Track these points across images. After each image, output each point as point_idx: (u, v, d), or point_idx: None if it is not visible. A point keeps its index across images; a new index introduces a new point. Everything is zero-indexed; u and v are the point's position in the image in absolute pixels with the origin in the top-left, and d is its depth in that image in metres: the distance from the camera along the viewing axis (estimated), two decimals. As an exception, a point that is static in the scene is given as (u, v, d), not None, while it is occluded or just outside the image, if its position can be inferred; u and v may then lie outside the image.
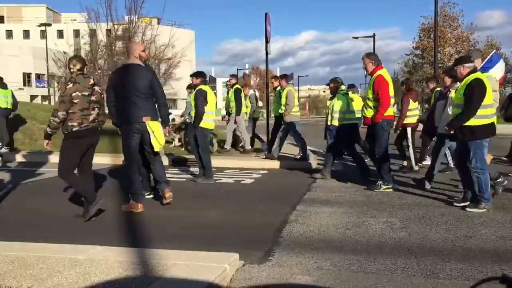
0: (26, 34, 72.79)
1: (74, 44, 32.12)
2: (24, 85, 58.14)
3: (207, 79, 8.76)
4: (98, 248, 4.09)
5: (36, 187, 7.98)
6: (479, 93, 5.81)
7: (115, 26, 21.39)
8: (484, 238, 4.75)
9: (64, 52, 27.20)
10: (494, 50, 7.13)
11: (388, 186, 7.42)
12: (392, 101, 7.45)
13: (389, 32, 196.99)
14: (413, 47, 52.77)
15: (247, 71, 74.58)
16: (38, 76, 59.99)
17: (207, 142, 8.52)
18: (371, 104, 7.48)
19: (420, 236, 4.83)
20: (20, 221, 5.67)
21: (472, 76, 5.92)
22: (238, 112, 12.01)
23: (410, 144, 9.58)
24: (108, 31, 21.77)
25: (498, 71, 7.03)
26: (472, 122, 5.87)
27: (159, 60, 23.16)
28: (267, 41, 12.45)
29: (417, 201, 6.64)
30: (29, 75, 59.46)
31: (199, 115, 8.08)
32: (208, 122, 8.24)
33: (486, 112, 5.92)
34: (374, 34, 41.69)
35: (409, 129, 9.60)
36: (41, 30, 57.91)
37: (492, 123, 6.00)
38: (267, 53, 12.52)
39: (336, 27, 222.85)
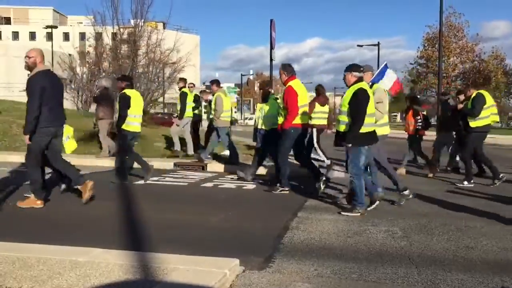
0: (32, 36, 73.19)
1: (79, 47, 32.19)
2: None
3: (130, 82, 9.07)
4: (99, 250, 4.09)
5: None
6: (363, 102, 6.12)
7: (121, 29, 21.46)
8: (485, 249, 4.74)
9: (70, 55, 27.32)
10: (385, 62, 7.39)
11: (284, 189, 7.89)
12: (302, 110, 7.64)
13: (394, 41, 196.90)
14: (417, 56, 52.82)
15: (251, 77, 74.78)
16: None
17: (126, 144, 8.76)
18: (283, 112, 7.92)
19: (421, 246, 4.81)
20: (21, 222, 5.68)
21: (357, 86, 6.20)
22: (181, 115, 12.14)
23: (315, 144, 10.81)
24: (114, 35, 21.85)
25: (387, 81, 7.33)
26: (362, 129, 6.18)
27: (163, 64, 23.22)
28: (271, 47, 12.49)
29: (418, 210, 6.62)
30: (34, 76, 59.71)
31: (121, 118, 8.51)
32: (132, 125, 8.63)
33: (367, 121, 6.17)
34: (378, 42, 41.73)
35: (314, 130, 10.78)
36: (47, 32, 58.17)
37: (373, 132, 6.34)
38: (271, 59, 12.56)
39: (341, 35, 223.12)
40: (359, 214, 6.18)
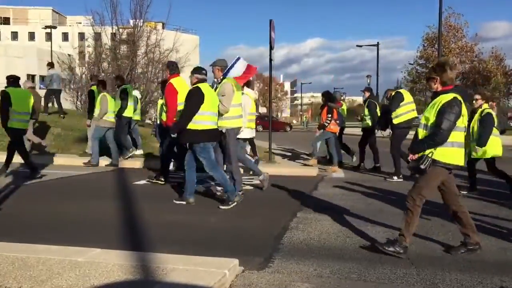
0: (32, 36, 73.11)
1: (78, 47, 32.16)
2: (28, 86, 58.30)
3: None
4: (98, 251, 4.10)
5: (37, 189, 7.99)
6: (193, 100, 6.47)
7: (120, 30, 21.45)
8: (484, 249, 4.73)
9: (69, 55, 27.29)
10: (238, 56, 7.55)
11: (161, 180, 8.54)
12: (180, 107, 7.54)
13: (395, 41, 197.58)
14: (417, 56, 52.86)
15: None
16: (42, 78, 60.12)
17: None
18: (165, 109, 8.13)
19: (420, 246, 4.82)
20: (21, 222, 5.68)
21: (196, 86, 6.60)
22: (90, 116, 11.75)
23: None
24: (113, 35, 21.83)
25: (235, 72, 7.38)
26: (192, 126, 6.46)
27: (163, 64, 23.22)
28: (271, 48, 12.48)
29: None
30: (33, 76, 59.58)
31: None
32: (15, 122, 8.90)
33: (204, 118, 6.51)
34: (378, 43, 41.75)
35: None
36: (46, 33, 58.24)
37: (212, 129, 6.64)
38: (271, 60, 12.55)
39: (342, 35, 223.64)
40: (235, 203, 6.59)
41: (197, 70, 6.87)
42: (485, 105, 8.02)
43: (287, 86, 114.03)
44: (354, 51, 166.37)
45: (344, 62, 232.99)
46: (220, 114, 6.88)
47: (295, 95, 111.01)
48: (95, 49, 22.83)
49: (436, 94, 4.52)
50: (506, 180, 8.04)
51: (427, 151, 4.38)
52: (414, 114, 9.90)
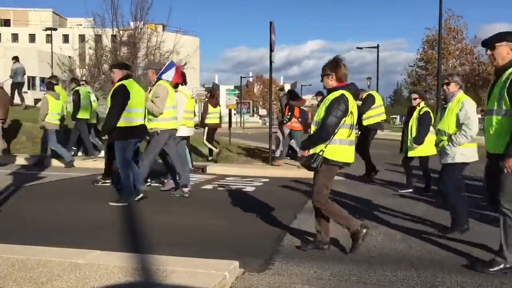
0: (32, 38, 73.18)
1: (79, 49, 32.18)
2: (29, 88, 58.20)
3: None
4: (98, 252, 4.10)
5: (37, 190, 7.99)
6: (120, 97, 6.62)
7: (121, 32, 21.47)
8: (484, 252, 4.73)
9: (69, 57, 27.30)
10: (171, 60, 7.64)
11: (107, 181, 8.54)
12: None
13: (395, 43, 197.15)
14: (417, 58, 52.89)
15: (250, 79, 74.82)
16: (43, 80, 60.15)
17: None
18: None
19: (420, 248, 4.81)
20: (20, 224, 5.68)
21: (119, 83, 6.76)
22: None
23: (205, 141, 11.97)
24: (113, 37, 21.85)
25: (169, 76, 7.47)
26: (119, 123, 6.63)
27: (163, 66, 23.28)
28: (271, 50, 12.48)
29: (418, 213, 6.62)
30: (33, 78, 59.63)
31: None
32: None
33: (131, 115, 6.70)
34: (378, 45, 41.80)
35: (206, 129, 11.91)
36: (46, 34, 58.27)
37: (137, 126, 6.82)
38: (271, 62, 12.55)
39: (342, 37, 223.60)
40: (126, 203, 6.68)
41: (122, 65, 7.05)
42: (423, 104, 8.27)
43: (287, 88, 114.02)
44: (355, 53, 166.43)
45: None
46: (154, 116, 7.03)
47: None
48: (96, 51, 22.85)
49: (329, 91, 4.61)
50: (426, 181, 8.35)
51: (318, 149, 4.45)
52: (384, 117, 10.18)
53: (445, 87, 5.59)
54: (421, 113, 7.97)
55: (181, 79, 7.90)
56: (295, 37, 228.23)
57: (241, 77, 61.71)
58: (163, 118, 7.11)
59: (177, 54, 23.09)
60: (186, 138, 8.50)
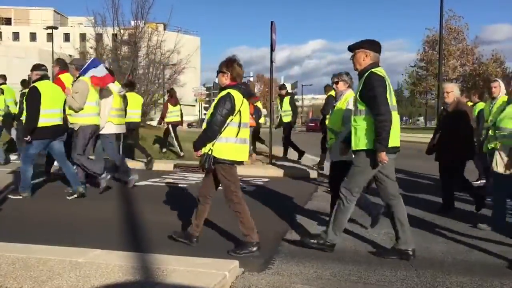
0: (33, 36, 73.22)
1: (80, 48, 32.21)
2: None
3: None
4: (99, 251, 4.10)
5: (37, 189, 7.99)
6: (31, 99, 6.79)
7: (121, 31, 21.46)
8: (485, 252, 4.74)
9: (70, 55, 27.33)
10: (93, 57, 7.68)
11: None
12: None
13: (396, 43, 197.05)
14: (417, 59, 52.91)
15: (251, 79, 74.91)
16: (44, 79, 60.17)
17: None
18: None
19: (420, 249, 4.81)
20: (21, 222, 5.69)
21: (31, 85, 6.94)
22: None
23: (173, 137, 12.76)
24: (114, 36, 21.85)
25: (96, 72, 7.54)
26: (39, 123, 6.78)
27: (164, 65, 23.23)
28: (272, 50, 12.48)
29: (418, 214, 6.62)
30: (34, 77, 59.79)
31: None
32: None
33: (44, 116, 6.81)
34: (379, 45, 41.73)
35: (170, 126, 12.72)
36: (47, 33, 58.24)
37: (51, 126, 6.90)
38: (271, 62, 12.55)
39: (344, 37, 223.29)
40: (21, 197, 6.92)
41: (36, 67, 7.13)
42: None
43: (288, 88, 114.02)
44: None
45: (345, 64, 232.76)
46: (74, 111, 7.13)
47: (296, 97, 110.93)
48: (96, 50, 22.85)
49: (221, 89, 4.68)
50: None
51: (207, 149, 4.49)
52: None
53: (334, 86, 5.78)
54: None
55: (113, 80, 8.05)
56: (297, 36, 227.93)
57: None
58: (84, 114, 7.19)
59: (178, 54, 23.08)
60: (119, 135, 8.65)
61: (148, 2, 20.79)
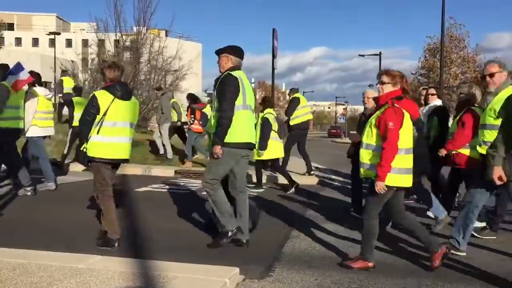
0: (35, 42, 73.49)
1: (82, 53, 32.30)
2: (31, 92, 58.49)
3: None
4: (99, 257, 4.10)
5: (38, 195, 7.99)
6: None
7: (124, 36, 21.53)
8: (486, 261, 4.73)
9: (72, 61, 27.38)
10: (18, 61, 7.96)
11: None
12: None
13: (399, 51, 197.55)
14: (419, 67, 53.01)
15: (252, 85, 75.10)
16: (45, 84, 60.37)
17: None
18: None
19: (422, 256, 4.80)
20: (22, 228, 5.69)
21: None
22: None
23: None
24: (116, 42, 21.93)
25: (18, 78, 7.50)
26: None
27: (165, 71, 23.28)
28: (274, 57, 12.53)
29: (420, 221, 6.59)
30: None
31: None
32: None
33: None
34: (380, 52, 41.98)
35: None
36: (50, 39, 58.49)
37: None
38: (273, 69, 12.60)
39: (346, 45, 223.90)
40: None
41: None
42: (267, 110, 8.98)
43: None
44: (358, 60, 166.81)
45: (347, 71, 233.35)
46: None
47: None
48: (98, 56, 22.92)
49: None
50: (288, 181, 9.08)
51: (82, 147, 4.76)
52: (310, 116, 10.89)
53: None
54: (262, 120, 8.91)
55: (32, 80, 7.98)
56: (299, 43, 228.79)
57: (243, 83, 61.74)
58: (3, 117, 7.22)
59: (179, 60, 23.15)
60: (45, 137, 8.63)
61: (150, 8, 20.89)
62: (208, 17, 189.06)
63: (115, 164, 4.98)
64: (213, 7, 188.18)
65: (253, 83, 78.76)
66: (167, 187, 9.28)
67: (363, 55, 47.05)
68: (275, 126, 8.94)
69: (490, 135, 4.89)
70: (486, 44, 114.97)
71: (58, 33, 50.53)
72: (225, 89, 4.73)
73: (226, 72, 4.84)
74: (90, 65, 25.00)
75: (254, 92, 5.38)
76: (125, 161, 5.03)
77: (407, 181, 4.26)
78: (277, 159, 9.22)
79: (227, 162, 4.82)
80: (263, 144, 8.67)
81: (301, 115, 10.50)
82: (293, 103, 10.56)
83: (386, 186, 4.11)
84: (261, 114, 9.04)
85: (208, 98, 13.84)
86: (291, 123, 10.34)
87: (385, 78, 4.36)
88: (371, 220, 4.35)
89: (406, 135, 4.22)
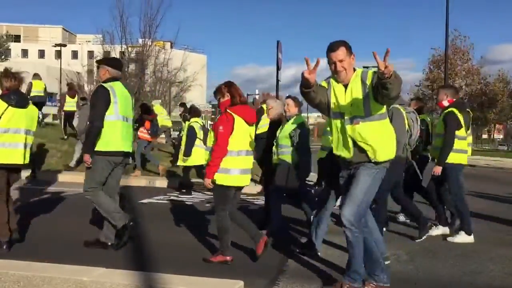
0: (41, 53, 74.11)
1: (87, 65, 32.56)
2: (37, 103, 58.77)
3: None
4: (103, 270, 4.09)
5: (41, 206, 8.00)
6: None
7: (129, 48, 21.72)
8: (492, 275, 4.69)
9: (78, 73, 27.62)
10: None
11: None
12: None
13: (403, 63, 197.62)
14: (423, 79, 53.03)
15: (257, 97, 75.21)
16: (51, 95, 60.64)
17: None
18: None
19: (427, 270, 4.77)
20: (26, 240, 5.67)
21: None
22: None
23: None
24: (122, 53, 22.10)
25: None
26: None
27: (170, 83, 23.43)
28: (278, 69, 12.58)
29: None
30: (42, 93, 60.29)
31: None
32: None
33: None
34: (384, 64, 41.89)
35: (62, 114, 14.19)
36: (56, 50, 58.91)
37: None
38: (277, 80, 12.64)
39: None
40: None
41: None
42: (194, 119, 9.38)
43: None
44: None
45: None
46: None
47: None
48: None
49: None
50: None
51: None
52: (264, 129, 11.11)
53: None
54: (187, 128, 9.62)
55: None
56: (304, 55, 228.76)
57: (247, 95, 61.96)
58: None
59: (184, 71, 23.30)
60: None
61: (156, 21, 21.09)
62: (213, 29, 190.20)
63: (10, 169, 5.16)
64: (218, 19, 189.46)
65: (257, 94, 78.87)
66: (171, 198, 9.27)
67: (367, 67, 46.63)
68: (200, 134, 9.48)
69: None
70: (490, 56, 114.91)
71: (64, 45, 50.98)
72: (95, 100, 5.11)
73: (99, 84, 5.25)
74: (95, 76, 25.19)
75: (257, 103, 5.53)
76: (22, 166, 5.24)
77: (244, 180, 4.84)
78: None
79: (101, 169, 5.11)
80: (188, 151, 9.15)
81: (264, 124, 10.57)
82: (259, 114, 10.60)
83: (227, 186, 4.69)
84: (187, 123, 9.58)
85: (213, 109, 13.90)
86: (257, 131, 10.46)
87: (217, 95, 4.88)
88: (220, 217, 4.79)
89: (239, 138, 4.70)
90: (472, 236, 6.01)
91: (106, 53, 23.30)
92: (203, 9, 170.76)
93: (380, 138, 3.80)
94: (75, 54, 67.89)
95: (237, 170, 4.71)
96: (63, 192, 9.49)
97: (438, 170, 6.06)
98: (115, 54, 22.19)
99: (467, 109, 6.69)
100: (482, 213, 8.41)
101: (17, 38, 76.51)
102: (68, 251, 5.13)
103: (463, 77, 50.84)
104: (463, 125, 6.16)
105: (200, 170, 9.64)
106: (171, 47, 27.06)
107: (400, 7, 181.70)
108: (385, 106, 3.83)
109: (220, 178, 4.67)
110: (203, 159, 9.41)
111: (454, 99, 6.33)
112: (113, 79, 5.25)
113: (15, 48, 74.43)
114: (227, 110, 4.72)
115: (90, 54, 55.30)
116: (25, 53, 73.94)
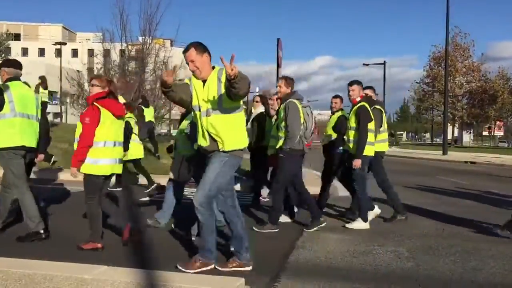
0: (41, 52, 74.08)
1: (87, 63, 32.53)
2: (37, 102, 58.77)
3: None
4: (105, 268, 4.09)
5: (45, 204, 8.00)
6: None
7: (129, 46, 21.67)
8: (493, 271, 4.69)
9: (78, 71, 27.58)
10: None
11: None
12: None
13: (405, 60, 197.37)
14: (424, 76, 53.01)
15: (261, 93, 75.06)
16: (51, 94, 60.66)
17: None
18: None
19: (428, 267, 4.78)
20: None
21: None
22: None
23: None
24: (122, 52, 22.06)
25: None
26: None
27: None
28: (278, 66, 12.57)
29: (425, 231, 6.58)
30: (42, 92, 60.26)
31: None
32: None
33: None
34: (384, 61, 41.98)
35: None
36: (56, 49, 58.96)
37: None
38: (278, 78, 12.62)
39: (351, 53, 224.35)
40: None
41: None
42: (128, 115, 9.15)
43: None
44: (363, 69, 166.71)
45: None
46: None
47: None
48: (104, 66, 23.06)
49: None
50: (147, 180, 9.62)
51: None
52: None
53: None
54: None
55: None
56: (304, 52, 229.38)
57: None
58: None
59: (184, 69, 23.24)
60: None
61: (156, 18, 21.02)
62: (213, 27, 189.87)
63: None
64: (218, 16, 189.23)
65: (258, 92, 78.84)
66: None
67: (367, 64, 46.96)
68: (135, 129, 9.71)
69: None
70: (490, 53, 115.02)
71: (64, 43, 50.98)
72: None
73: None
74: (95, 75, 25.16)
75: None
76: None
77: (112, 170, 5.14)
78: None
79: (10, 164, 5.39)
80: (125, 146, 9.18)
81: None
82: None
83: (96, 175, 5.01)
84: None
85: (40, 81, 14.41)
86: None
87: (95, 82, 5.14)
88: (90, 205, 5.10)
89: (105, 130, 4.99)
90: (368, 223, 6.56)
91: (106, 51, 23.25)
92: (203, 6, 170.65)
93: (229, 129, 4.22)
94: (75, 53, 67.85)
95: (105, 160, 5.04)
96: (64, 189, 9.51)
97: (357, 163, 6.38)
98: (115, 52, 22.14)
99: (377, 106, 7.04)
100: (482, 210, 8.42)
101: (17, 37, 76.45)
102: (70, 249, 5.14)
103: (463, 74, 50.81)
104: (372, 118, 6.56)
105: (138, 164, 9.89)
106: (171, 45, 27.00)
107: (401, 4, 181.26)
108: (241, 101, 4.31)
109: (89, 168, 4.98)
110: (140, 154, 9.93)
111: (363, 95, 6.79)
112: (13, 78, 5.54)
113: (15, 46, 74.34)
114: (94, 103, 5.01)
115: (90, 52, 55.23)
116: (25, 51, 73.87)
